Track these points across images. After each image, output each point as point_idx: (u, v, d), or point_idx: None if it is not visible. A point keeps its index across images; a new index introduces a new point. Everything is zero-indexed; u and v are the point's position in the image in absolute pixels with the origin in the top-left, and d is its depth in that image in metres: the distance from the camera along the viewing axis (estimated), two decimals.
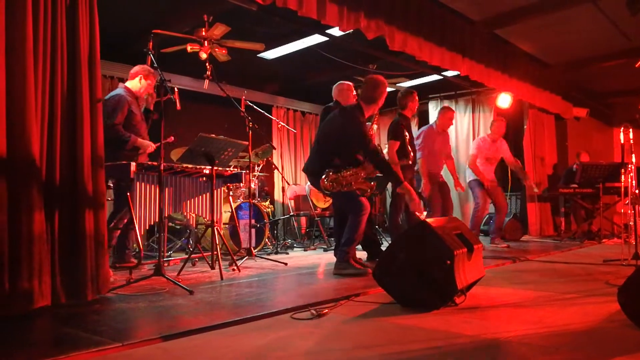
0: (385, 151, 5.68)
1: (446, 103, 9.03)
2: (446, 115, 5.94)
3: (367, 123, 4.29)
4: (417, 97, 5.25)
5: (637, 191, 4.39)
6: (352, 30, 4.51)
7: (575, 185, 7.24)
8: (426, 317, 2.46)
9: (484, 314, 2.56)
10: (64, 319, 2.53)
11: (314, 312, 2.51)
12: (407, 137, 5.03)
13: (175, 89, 4.36)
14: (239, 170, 4.59)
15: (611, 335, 2.14)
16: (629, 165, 4.44)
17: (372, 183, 4.16)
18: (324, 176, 4.01)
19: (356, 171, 4.07)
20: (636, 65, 4.79)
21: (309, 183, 7.42)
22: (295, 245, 6.93)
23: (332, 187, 4.03)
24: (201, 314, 2.58)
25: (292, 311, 2.58)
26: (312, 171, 4.19)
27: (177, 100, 4.28)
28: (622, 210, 4.61)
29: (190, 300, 2.94)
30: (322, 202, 7.18)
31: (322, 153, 4.18)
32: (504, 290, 3.22)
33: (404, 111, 5.17)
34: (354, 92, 5.00)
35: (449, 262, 2.53)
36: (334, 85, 4.92)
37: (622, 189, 4.75)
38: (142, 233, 3.82)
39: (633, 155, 4.46)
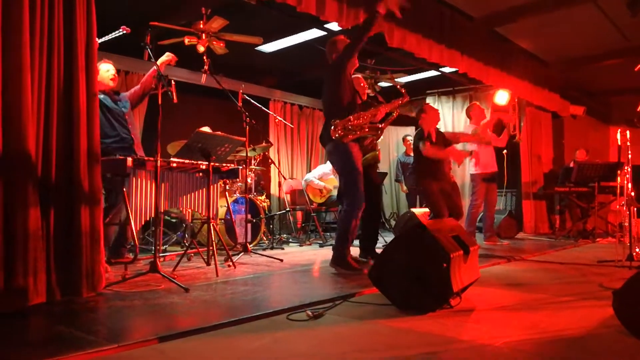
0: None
1: (444, 99, 9.04)
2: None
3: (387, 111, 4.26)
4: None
5: (632, 193, 4.40)
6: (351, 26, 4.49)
7: (571, 184, 7.27)
8: (422, 320, 2.47)
9: (479, 317, 2.56)
10: (58, 316, 2.53)
11: (309, 313, 2.51)
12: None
13: (172, 82, 4.34)
14: (235, 166, 4.58)
15: (605, 343, 2.15)
16: (625, 167, 4.45)
17: (381, 125, 4.04)
18: (332, 127, 3.88)
19: (359, 114, 3.98)
20: (635, 69, 4.77)
21: (305, 177, 7.44)
22: (290, 240, 6.93)
23: (343, 134, 3.89)
24: (197, 313, 2.58)
25: (288, 312, 2.59)
26: (324, 140, 4.12)
27: (174, 93, 4.27)
28: (618, 207, 4.61)
29: (186, 298, 2.94)
30: (318, 197, 7.17)
31: (326, 119, 4.13)
32: (499, 292, 3.24)
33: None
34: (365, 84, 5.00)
35: (445, 264, 2.53)
36: None
37: (618, 189, 4.76)
38: (138, 229, 3.80)
39: (629, 156, 4.48)
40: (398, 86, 4.46)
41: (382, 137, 4.23)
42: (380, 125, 4.03)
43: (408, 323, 2.42)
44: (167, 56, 4.38)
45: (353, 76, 4.85)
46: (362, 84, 4.88)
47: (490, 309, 2.75)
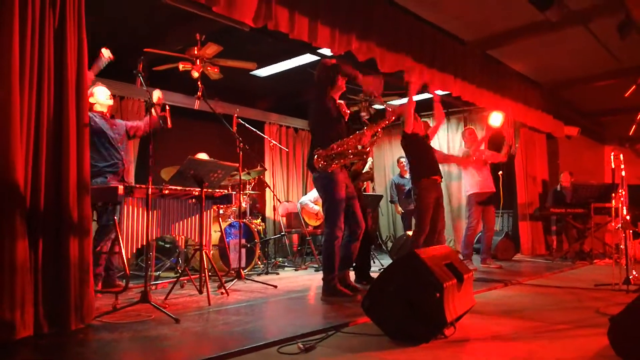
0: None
1: None
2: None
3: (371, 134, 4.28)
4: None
5: (627, 217, 4.39)
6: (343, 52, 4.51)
7: (567, 206, 7.27)
8: (415, 352, 2.42)
9: (473, 348, 2.52)
10: (45, 351, 2.48)
11: (301, 346, 2.46)
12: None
13: (167, 107, 4.35)
14: (229, 192, 4.56)
15: None
16: (620, 190, 4.44)
17: (367, 149, 4.06)
18: (315, 156, 3.87)
19: (343, 141, 3.97)
20: (626, 95, 4.81)
21: (300, 200, 7.41)
22: (286, 263, 6.88)
23: (326, 165, 3.87)
24: (186, 347, 2.53)
25: (279, 344, 2.54)
26: (310, 167, 4.10)
27: (169, 119, 4.28)
28: (614, 224, 4.59)
29: (176, 329, 2.88)
30: (314, 220, 7.14)
31: (311, 146, 4.13)
32: (494, 320, 3.19)
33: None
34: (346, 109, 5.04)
35: (438, 294, 2.50)
36: None
37: (613, 212, 4.74)
38: (129, 256, 3.76)
39: (623, 179, 4.48)
40: (387, 107, 4.51)
41: (371, 159, 4.23)
42: (366, 150, 4.04)
43: (401, 355, 2.37)
44: (157, 96, 4.42)
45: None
46: (343, 110, 4.88)
47: (485, 338, 2.71)
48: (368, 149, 4.06)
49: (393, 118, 4.38)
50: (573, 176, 8.02)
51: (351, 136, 4.04)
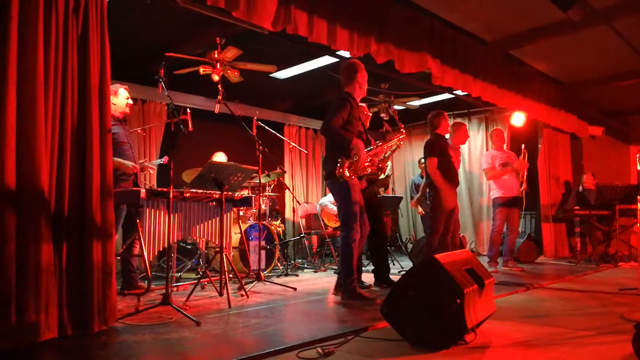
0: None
1: (459, 121, 8.98)
2: (462, 130, 5.83)
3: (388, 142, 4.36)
4: (447, 116, 5.30)
5: None
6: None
7: (590, 207, 7.14)
8: (435, 358, 2.41)
9: (494, 354, 2.49)
10: (68, 353, 2.52)
11: (320, 350, 2.47)
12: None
13: (188, 110, 4.39)
14: (249, 194, 4.58)
15: None
16: None
17: (382, 164, 4.24)
18: (338, 165, 3.84)
19: (363, 155, 3.98)
20: None
21: (320, 201, 7.42)
22: (305, 265, 6.89)
23: (352, 174, 3.89)
24: (206, 350, 2.56)
25: (298, 348, 2.55)
26: (327, 173, 4.12)
27: (189, 122, 4.31)
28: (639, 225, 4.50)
29: (197, 332, 2.92)
30: (333, 222, 7.14)
31: (328, 151, 4.16)
32: (516, 326, 3.15)
33: (437, 131, 5.22)
34: (368, 112, 5.06)
35: (459, 300, 2.48)
36: None
37: (639, 212, 4.66)
38: (152, 259, 3.81)
39: None
40: (398, 122, 4.71)
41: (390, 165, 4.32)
42: (381, 165, 4.22)
43: None
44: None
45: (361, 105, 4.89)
46: (365, 112, 4.91)
47: (507, 345, 2.67)
48: (383, 165, 4.21)
49: (404, 134, 4.56)
50: (596, 177, 7.87)
51: (370, 151, 4.15)
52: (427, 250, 4.98)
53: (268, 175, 6.15)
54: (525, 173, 6.43)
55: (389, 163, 5.17)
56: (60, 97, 2.88)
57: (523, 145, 6.45)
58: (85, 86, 2.98)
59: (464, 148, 8.69)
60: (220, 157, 6.17)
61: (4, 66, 2.59)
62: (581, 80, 7.72)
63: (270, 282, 4.90)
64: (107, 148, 3.05)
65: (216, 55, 5.66)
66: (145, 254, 3.66)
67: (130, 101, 4.50)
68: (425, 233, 7.47)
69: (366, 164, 4.05)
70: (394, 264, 6.51)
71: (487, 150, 8.44)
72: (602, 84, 7.72)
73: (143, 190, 3.57)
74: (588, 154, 9.09)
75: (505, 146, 6.65)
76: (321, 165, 9.24)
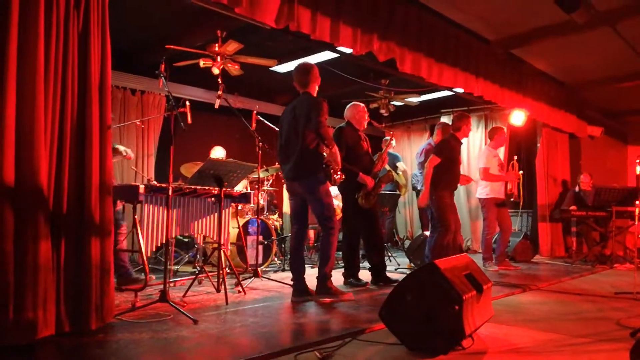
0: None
1: None
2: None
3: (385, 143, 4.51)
4: (471, 121, 5.37)
5: None
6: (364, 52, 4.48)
7: (587, 208, 7.16)
8: None
9: None
10: (66, 351, 2.52)
11: (318, 354, 2.47)
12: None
13: (187, 103, 4.36)
14: (247, 190, 4.57)
15: None
16: None
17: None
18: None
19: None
20: None
21: None
22: None
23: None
24: (204, 349, 2.56)
25: (296, 350, 2.55)
26: (300, 171, 4.06)
27: (189, 114, 4.29)
28: (637, 224, 4.52)
29: (194, 331, 2.91)
30: None
31: (305, 151, 4.10)
32: (513, 330, 3.15)
33: (457, 133, 5.28)
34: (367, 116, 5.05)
35: (457, 307, 2.48)
36: (347, 106, 4.92)
37: (637, 216, 4.67)
38: (149, 255, 3.80)
39: None
40: (384, 129, 5.11)
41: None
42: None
43: None
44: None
45: (352, 104, 4.88)
46: (360, 111, 4.88)
47: (504, 351, 2.68)
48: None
49: (392, 137, 5.38)
50: (593, 178, 7.88)
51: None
52: (439, 250, 4.93)
53: (267, 170, 6.13)
54: (518, 182, 6.46)
55: (402, 164, 5.44)
56: (60, 94, 2.84)
57: (515, 157, 6.47)
58: (85, 82, 2.95)
59: (462, 146, 8.72)
60: (218, 151, 6.14)
61: (3, 62, 2.56)
62: (582, 81, 7.72)
63: (267, 278, 4.90)
64: (107, 144, 3.03)
65: (217, 49, 5.62)
66: (143, 249, 3.65)
67: None
68: (422, 230, 7.48)
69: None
70: (390, 261, 6.53)
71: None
72: (602, 84, 7.72)
73: (142, 186, 3.55)
74: (586, 154, 9.09)
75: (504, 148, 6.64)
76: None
